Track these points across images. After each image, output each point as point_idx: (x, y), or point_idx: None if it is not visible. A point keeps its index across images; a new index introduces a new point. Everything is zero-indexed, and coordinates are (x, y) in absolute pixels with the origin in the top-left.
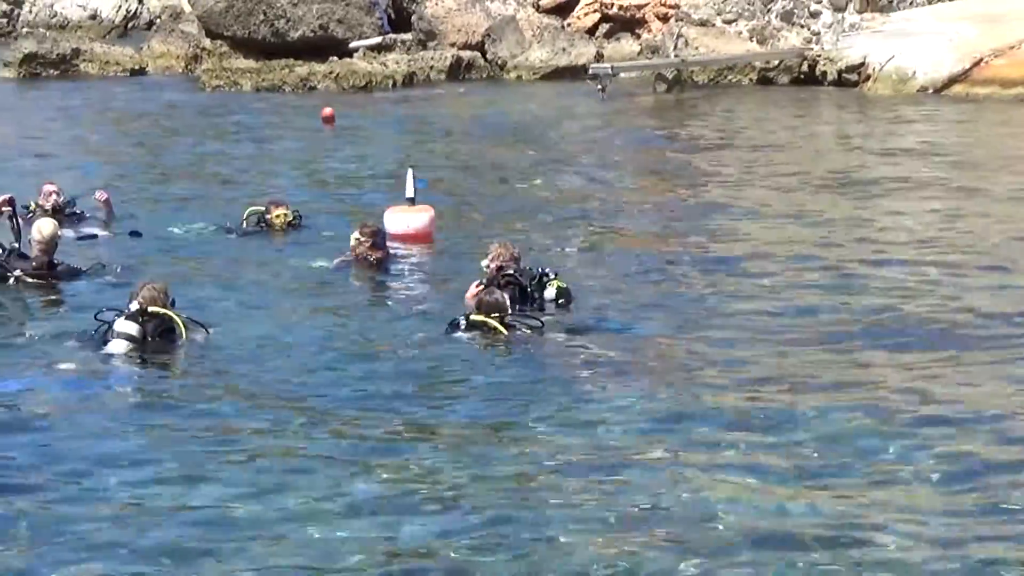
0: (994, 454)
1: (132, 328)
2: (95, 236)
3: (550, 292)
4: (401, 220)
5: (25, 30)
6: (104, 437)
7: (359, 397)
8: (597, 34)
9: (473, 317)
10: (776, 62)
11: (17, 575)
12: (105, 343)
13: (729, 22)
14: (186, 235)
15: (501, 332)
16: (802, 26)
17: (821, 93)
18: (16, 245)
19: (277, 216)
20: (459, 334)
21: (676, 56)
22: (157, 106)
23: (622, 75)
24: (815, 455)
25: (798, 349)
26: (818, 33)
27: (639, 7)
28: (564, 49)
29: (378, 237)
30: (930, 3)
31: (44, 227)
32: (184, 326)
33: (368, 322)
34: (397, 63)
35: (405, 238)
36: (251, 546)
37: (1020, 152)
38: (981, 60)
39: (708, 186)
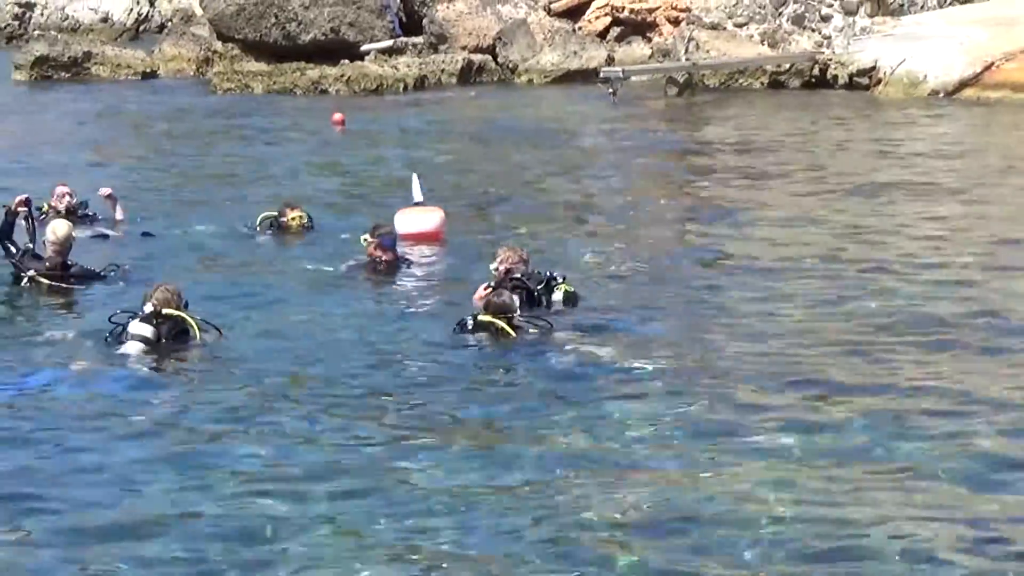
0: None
1: (146, 330)
2: (107, 236)
3: (558, 296)
4: (412, 221)
5: (37, 33)
6: (116, 438)
7: (366, 399)
8: (608, 37)
9: (481, 318)
10: (787, 66)
11: (31, 574)
12: (119, 345)
13: (740, 26)
14: (201, 236)
15: (509, 333)
16: (813, 30)
17: (832, 97)
18: (31, 246)
19: (293, 219)
20: (467, 335)
21: (687, 60)
22: (168, 109)
23: (633, 79)
24: (831, 456)
25: (810, 351)
26: (829, 37)
27: (650, 11)
28: (575, 53)
29: (387, 239)
30: (941, 7)
31: (59, 228)
32: (198, 328)
33: (377, 324)
34: (408, 66)
35: (416, 238)
36: (262, 550)
37: None
38: (992, 64)
39: (718, 189)
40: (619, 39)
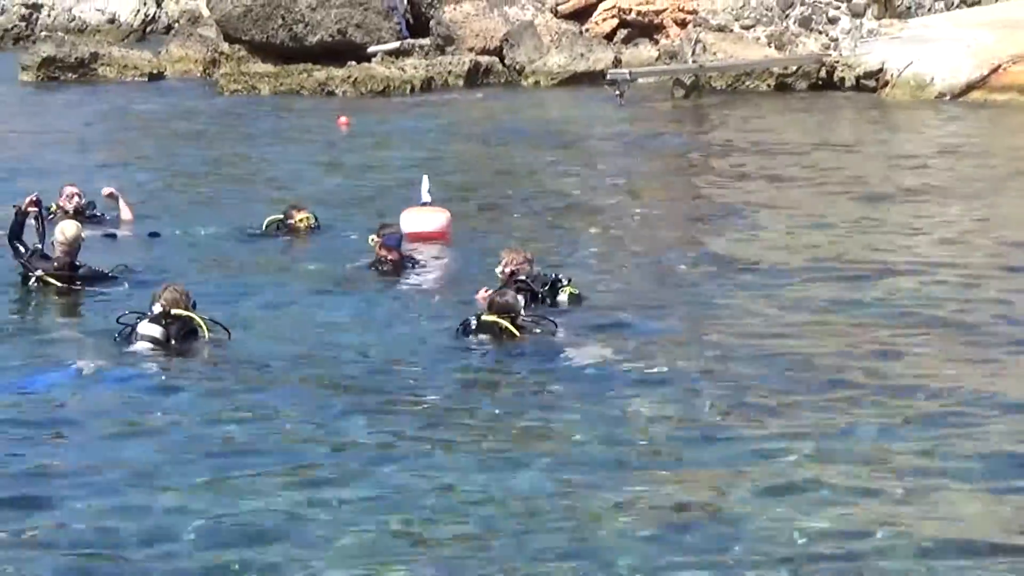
0: None
1: (156, 331)
2: (114, 236)
3: (563, 298)
4: (417, 220)
5: (44, 34)
6: (125, 439)
7: (371, 399)
8: (615, 39)
9: (484, 317)
10: (794, 68)
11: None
12: (128, 345)
13: (747, 28)
14: (208, 236)
15: (513, 334)
16: (820, 32)
17: (839, 99)
18: (39, 246)
19: (300, 220)
20: (470, 335)
21: (694, 62)
22: (175, 110)
23: (640, 80)
24: (841, 456)
25: (817, 352)
26: (836, 39)
27: (657, 13)
28: (582, 54)
29: (390, 239)
30: (948, 9)
31: (67, 229)
32: (206, 328)
33: (382, 324)
34: (415, 68)
35: (421, 238)
36: (270, 549)
37: None
38: (999, 66)
39: (725, 191)
40: (626, 41)
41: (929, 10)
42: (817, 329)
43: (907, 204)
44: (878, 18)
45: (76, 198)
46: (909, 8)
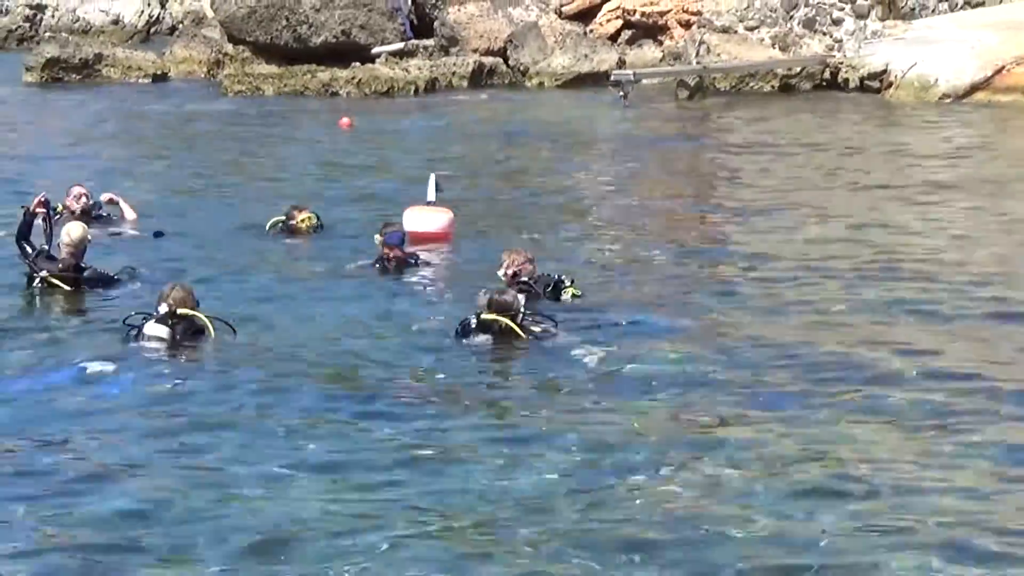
0: None
1: (162, 331)
2: (119, 234)
3: (566, 298)
4: (420, 220)
5: (48, 35)
6: (131, 439)
7: (374, 398)
8: (619, 40)
9: (484, 316)
10: (798, 69)
11: (52, 571)
12: (135, 345)
13: (751, 29)
14: (212, 236)
15: (513, 331)
16: (824, 33)
17: (843, 100)
18: (45, 247)
19: (302, 220)
20: (470, 334)
21: (698, 63)
22: (179, 111)
23: (644, 82)
24: (846, 459)
25: (822, 351)
26: (840, 40)
27: (661, 14)
28: (586, 55)
29: (392, 237)
30: (952, 11)
31: (73, 230)
32: (213, 327)
33: (385, 322)
34: (419, 69)
35: (424, 237)
36: (279, 546)
37: None
38: (1003, 68)
39: (730, 191)
40: (630, 42)
41: (933, 11)
42: (820, 329)
43: (911, 204)
44: (882, 19)
45: (84, 198)
46: (913, 9)
